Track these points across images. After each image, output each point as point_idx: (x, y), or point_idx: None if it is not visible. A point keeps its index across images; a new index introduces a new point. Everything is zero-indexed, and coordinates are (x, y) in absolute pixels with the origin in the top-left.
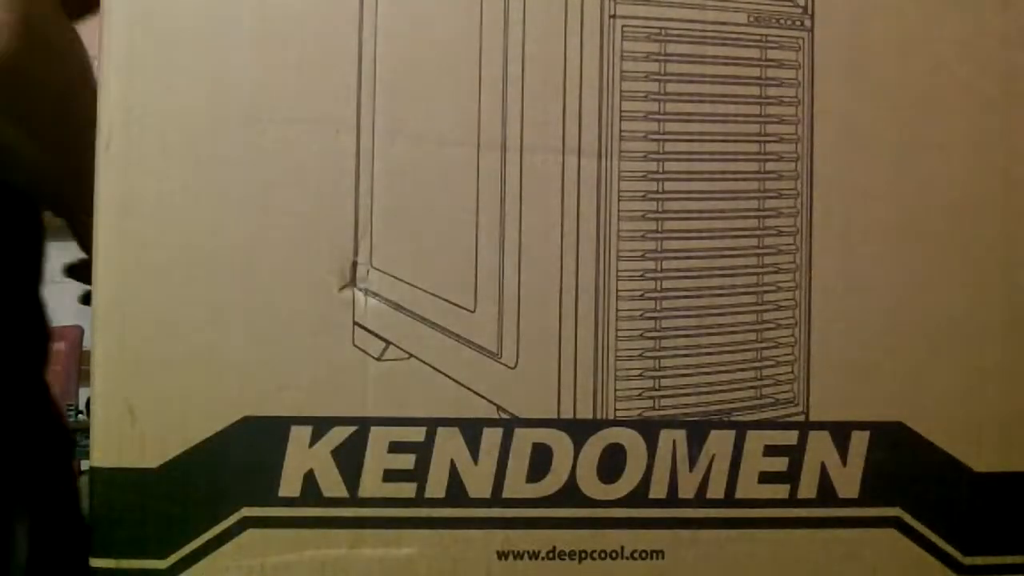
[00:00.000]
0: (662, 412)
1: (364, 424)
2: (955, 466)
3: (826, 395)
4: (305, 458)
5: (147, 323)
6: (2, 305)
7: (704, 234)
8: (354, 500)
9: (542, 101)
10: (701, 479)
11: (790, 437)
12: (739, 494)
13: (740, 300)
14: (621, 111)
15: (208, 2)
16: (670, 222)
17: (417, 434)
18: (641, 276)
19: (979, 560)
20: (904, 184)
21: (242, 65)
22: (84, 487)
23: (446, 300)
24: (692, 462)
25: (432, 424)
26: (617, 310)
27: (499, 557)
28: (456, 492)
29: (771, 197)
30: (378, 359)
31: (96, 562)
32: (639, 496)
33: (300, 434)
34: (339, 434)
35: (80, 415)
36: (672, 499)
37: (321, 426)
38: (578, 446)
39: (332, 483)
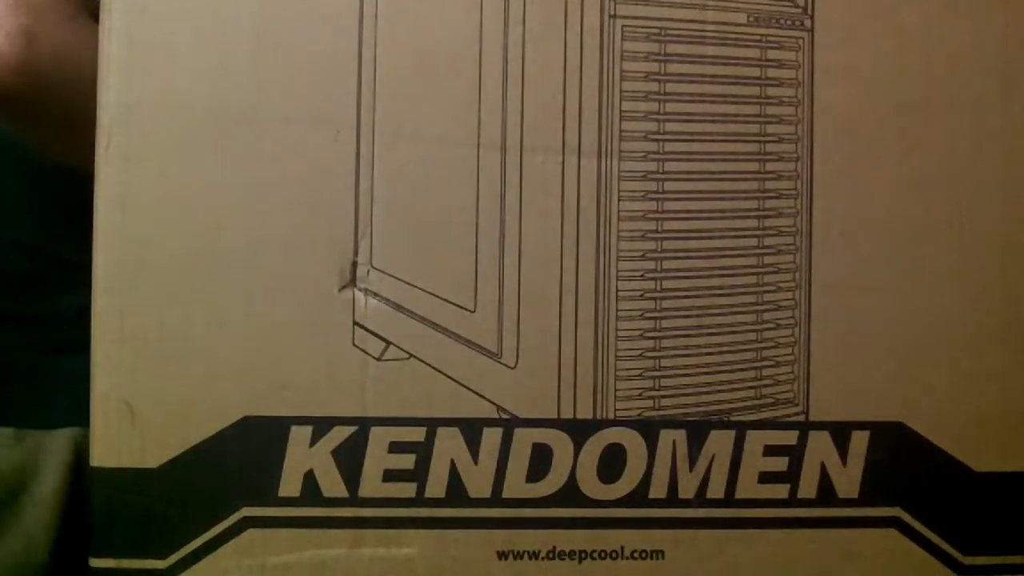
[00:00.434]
0: (662, 412)
1: (364, 424)
2: (955, 466)
3: (826, 395)
4: (305, 458)
5: (147, 323)
6: None
7: (704, 234)
8: (354, 500)
9: (542, 101)
10: (701, 479)
11: (790, 437)
12: (739, 494)
13: (740, 300)
14: (621, 111)
15: (208, 2)
16: (670, 222)
17: (417, 434)
18: (641, 276)
19: (979, 560)
20: (904, 184)
21: (242, 65)
22: None
23: (446, 300)
24: (692, 462)
25: (432, 424)
26: (617, 310)
27: (499, 557)
28: (456, 492)
29: (771, 197)
30: (378, 359)
31: (96, 562)
32: (639, 496)
33: (300, 434)
34: (339, 434)
35: None
36: (672, 499)
37: (321, 426)
38: (578, 446)
39: (332, 483)
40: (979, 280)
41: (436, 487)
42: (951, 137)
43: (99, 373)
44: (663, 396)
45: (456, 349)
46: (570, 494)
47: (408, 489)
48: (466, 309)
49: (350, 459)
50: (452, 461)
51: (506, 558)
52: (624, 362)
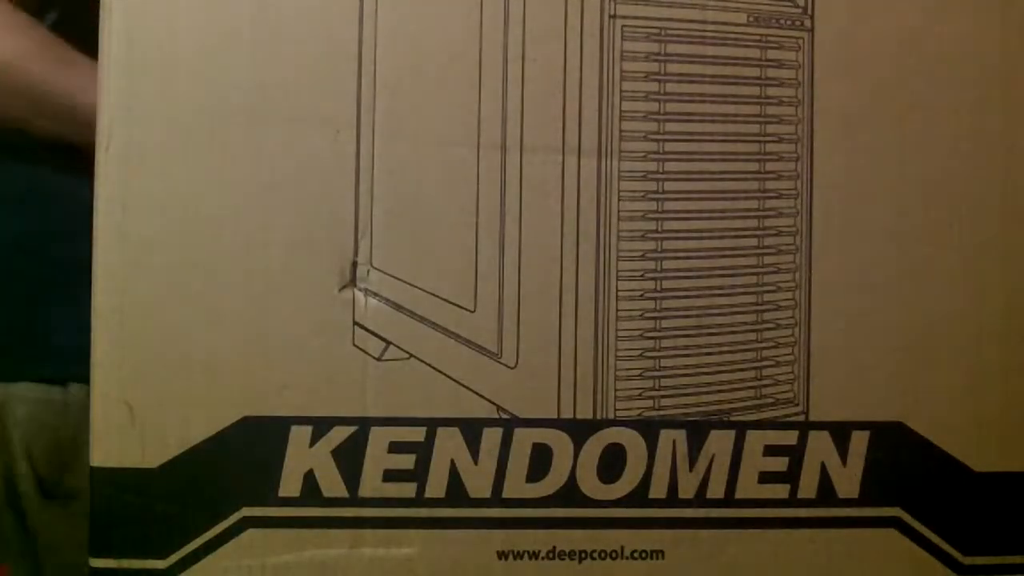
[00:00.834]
0: (662, 412)
1: (364, 424)
2: (955, 466)
3: (826, 395)
4: (305, 458)
5: (147, 323)
6: None
7: (704, 234)
8: (354, 500)
9: (542, 101)
10: (701, 479)
11: (790, 437)
12: (739, 494)
13: (740, 300)
14: (621, 111)
15: (208, 2)
16: (670, 222)
17: (417, 434)
18: (641, 276)
19: (979, 560)
20: (904, 184)
21: (242, 65)
22: None
23: (446, 300)
24: (692, 462)
25: (432, 424)
26: (617, 310)
27: (499, 557)
28: (456, 492)
29: (771, 197)
30: (378, 359)
31: (96, 562)
32: (639, 496)
33: (300, 434)
34: (339, 434)
35: None
36: (672, 499)
37: (321, 426)
38: (578, 446)
39: (332, 483)
40: (979, 280)
41: (436, 487)
42: (951, 137)
43: (99, 373)
44: (663, 396)
45: (456, 349)
46: (570, 494)
47: (408, 489)
48: (466, 309)
49: (350, 459)
50: (452, 461)
51: (506, 558)
52: (624, 362)
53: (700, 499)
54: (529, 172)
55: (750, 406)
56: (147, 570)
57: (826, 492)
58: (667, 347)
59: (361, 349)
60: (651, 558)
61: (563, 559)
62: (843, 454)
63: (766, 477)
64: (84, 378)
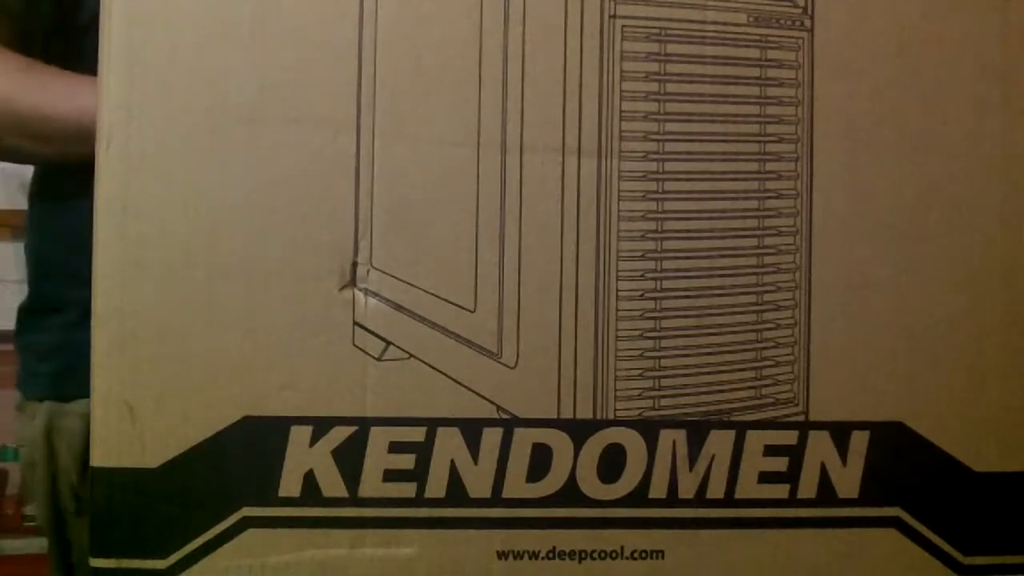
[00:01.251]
0: (662, 412)
1: (364, 424)
2: (955, 466)
3: (826, 395)
4: (305, 458)
5: (147, 323)
6: None
7: (704, 234)
8: (354, 500)
9: (542, 101)
10: (701, 479)
11: (790, 437)
12: (739, 494)
13: (740, 300)
14: (621, 111)
15: (208, 2)
16: (670, 222)
17: (417, 434)
18: (641, 276)
19: (979, 560)
20: (904, 184)
21: (242, 65)
22: None
23: (446, 300)
24: (692, 462)
25: (432, 424)
26: (617, 310)
27: (499, 557)
28: (456, 492)
29: (771, 197)
30: (378, 359)
31: (96, 562)
32: (639, 496)
33: (300, 434)
34: (339, 434)
35: None
36: (672, 499)
37: (321, 426)
38: (578, 446)
39: (332, 483)
40: (979, 280)
41: (436, 487)
42: (951, 137)
43: (99, 373)
44: (663, 396)
45: (456, 349)
46: (570, 494)
47: (408, 489)
48: (466, 309)
49: (350, 459)
50: (452, 461)
51: (506, 558)
52: (624, 362)
53: (700, 499)
54: (529, 172)
55: (750, 406)
56: (147, 570)
57: (826, 492)
58: (667, 347)
59: (361, 349)
60: (651, 558)
61: (563, 559)
62: (843, 454)
63: (766, 477)
64: None
